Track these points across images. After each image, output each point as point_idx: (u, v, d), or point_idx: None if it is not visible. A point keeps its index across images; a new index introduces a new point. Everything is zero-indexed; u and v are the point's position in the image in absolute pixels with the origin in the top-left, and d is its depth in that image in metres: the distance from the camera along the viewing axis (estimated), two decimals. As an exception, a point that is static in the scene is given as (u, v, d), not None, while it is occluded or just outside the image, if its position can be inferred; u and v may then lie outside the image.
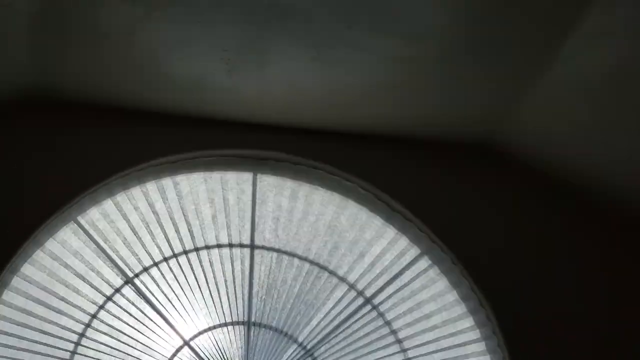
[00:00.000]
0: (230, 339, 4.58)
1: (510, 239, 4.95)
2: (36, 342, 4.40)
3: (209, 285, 4.67)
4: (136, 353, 4.48)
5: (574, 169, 4.87)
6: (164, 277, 4.64)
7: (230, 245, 4.76)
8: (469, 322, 4.81)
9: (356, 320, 4.74)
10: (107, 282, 4.57)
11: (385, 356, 4.69)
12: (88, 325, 4.48)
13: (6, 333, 4.37)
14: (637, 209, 4.88)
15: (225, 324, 4.62)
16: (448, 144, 5.08)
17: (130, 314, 4.54)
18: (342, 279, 4.80)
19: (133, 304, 4.57)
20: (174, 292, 4.62)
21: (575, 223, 5.06)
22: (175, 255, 4.69)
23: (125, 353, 4.47)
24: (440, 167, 5.06)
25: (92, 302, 4.52)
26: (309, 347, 4.65)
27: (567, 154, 4.82)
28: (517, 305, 4.79)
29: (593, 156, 4.71)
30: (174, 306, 4.60)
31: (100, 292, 4.55)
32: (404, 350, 4.71)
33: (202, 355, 4.53)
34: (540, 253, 4.95)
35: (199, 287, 4.66)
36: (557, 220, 5.04)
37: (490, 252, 4.88)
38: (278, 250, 4.80)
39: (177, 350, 4.53)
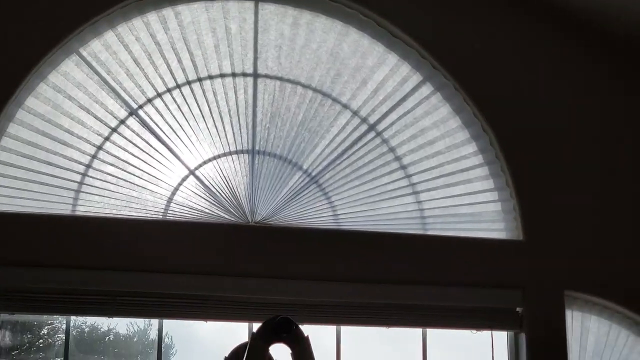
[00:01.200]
0: (235, 168, 4.62)
1: (511, 65, 4.94)
2: (43, 173, 4.45)
3: (213, 115, 4.68)
4: (142, 183, 4.53)
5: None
6: (168, 108, 4.64)
7: (233, 75, 4.74)
8: (472, 147, 4.85)
9: (360, 147, 4.77)
10: (112, 114, 4.58)
11: (389, 182, 4.74)
12: (94, 157, 4.52)
13: (13, 165, 4.42)
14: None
15: (230, 153, 4.65)
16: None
17: (136, 145, 4.57)
18: (346, 106, 4.81)
19: (138, 134, 4.59)
20: (178, 122, 4.63)
21: (575, 48, 5.08)
22: (178, 86, 4.68)
23: (131, 183, 4.52)
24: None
25: (97, 134, 4.55)
26: (313, 174, 4.69)
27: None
28: (520, 129, 4.82)
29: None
30: (178, 136, 4.62)
31: (105, 123, 4.57)
32: (408, 176, 4.77)
33: (207, 183, 4.57)
34: (541, 77, 4.97)
35: (203, 117, 4.67)
36: (561, 48, 5.05)
37: (493, 77, 4.88)
38: (281, 79, 4.79)
39: (183, 180, 4.58)
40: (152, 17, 4.72)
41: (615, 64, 5.08)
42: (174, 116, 4.64)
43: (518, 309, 4.61)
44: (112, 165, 4.53)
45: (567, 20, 5.02)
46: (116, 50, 4.65)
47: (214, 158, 4.64)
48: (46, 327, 4.52)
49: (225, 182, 4.59)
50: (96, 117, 4.56)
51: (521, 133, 4.82)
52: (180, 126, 4.63)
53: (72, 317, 4.43)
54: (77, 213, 4.42)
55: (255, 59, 4.79)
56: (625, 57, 5.07)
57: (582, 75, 5.02)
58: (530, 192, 4.74)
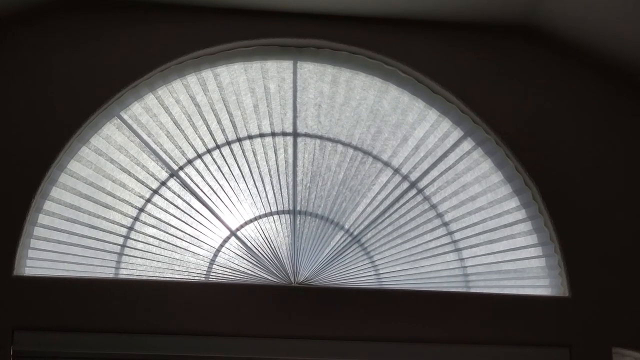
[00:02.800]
0: (277, 228, 4.62)
1: (552, 118, 4.91)
2: (86, 236, 4.47)
3: (253, 175, 4.68)
4: (184, 244, 4.54)
5: (615, 46, 4.77)
6: (208, 169, 4.66)
7: (273, 134, 4.75)
8: (514, 202, 4.80)
9: (402, 205, 4.74)
10: (153, 176, 4.61)
11: (432, 239, 4.70)
12: (136, 219, 4.54)
13: (56, 229, 4.45)
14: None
15: (271, 213, 4.64)
16: (487, 25, 5.01)
17: (177, 206, 4.59)
18: (387, 164, 4.79)
19: (179, 196, 4.60)
20: (218, 183, 4.64)
21: (617, 99, 5.00)
22: (218, 147, 4.70)
23: (173, 245, 4.53)
24: (480, 49, 5.01)
25: (139, 196, 4.57)
26: (355, 233, 4.67)
27: (608, 30, 4.71)
28: (562, 184, 4.77)
29: (637, 32, 4.60)
30: (219, 197, 4.63)
31: (147, 185, 4.59)
32: (450, 233, 4.72)
33: (249, 244, 4.57)
34: (584, 131, 4.91)
35: (243, 177, 4.67)
36: (600, 98, 4.99)
37: (534, 131, 4.86)
38: (321, 137, 4.79)
39: (225, 241, 4.57)
40: (192, 79, 4.77)
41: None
42: (214, 177, 4.65)
43: (565, 367, 4.55)
44: (154, 227, 4.54)
45: (612, 71, 4.98)
46: (156, 112, 4.69)
47: (255, 219, 4.63)
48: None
49: (267, 243, 4.58)
50: (137, 179, 4.59)
51: (564, 186, 4.76)
52: (221, 187, 4.64)
53: (117, 382, 4.43)
54: (120, 276, 4.43)
55: (295, 117, 4.80)
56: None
57: (628, 126, 4.96)
58: (575, 247, 4.67)
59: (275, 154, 4.72)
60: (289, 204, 4.66)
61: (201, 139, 4.69)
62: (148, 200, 4.58)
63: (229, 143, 4.71)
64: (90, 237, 4.47)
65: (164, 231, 4.55)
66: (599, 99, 4.99)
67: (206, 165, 4.66)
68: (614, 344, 4.54)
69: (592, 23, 4.72)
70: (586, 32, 4.80)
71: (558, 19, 4.81)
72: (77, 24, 4.76)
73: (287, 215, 4.64)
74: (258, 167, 4.69)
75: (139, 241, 4.51)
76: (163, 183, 4.61)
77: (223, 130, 4.72)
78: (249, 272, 4.52)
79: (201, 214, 4.59)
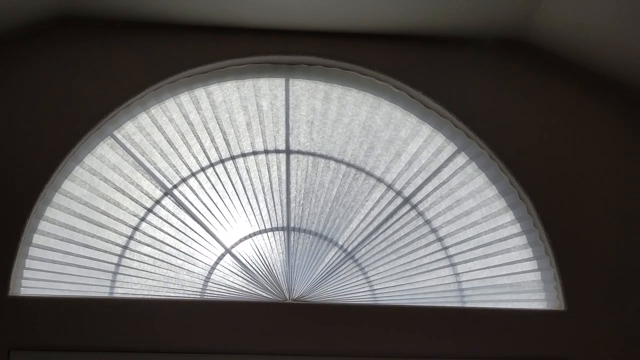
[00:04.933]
0: (271, 245, 4.62)
1: (546, 132, 4.91)
2: (81, 256, 4.48)
3: (247, 193, 4.69)
4: (179, 262, 4.54)
5: (607, 59, 4.77)
6: (202, 187, 4.67)
7: (266, 152, 4.76)
8: (509, 216, 4.79)
9: (396, 221, 4.73)
10: (147, 194, 4.62)
11: (426, 254, 4.69)
12: (131, 238, 4.55)
13: (51, 249, 4.47)
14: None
15: (265, 230, 4.64)
16: (479, 40, 5.01)
17: (171, 225, 4.60)
18: (380, 180, 4.79)
19: (173, 214, 4.61)
20: (212, 201, 4.66)
21: (610, 112, 5.00)
22: (212, 165, 4.71)
23: (168, 263, 4.53)
24: (473, 63, 5.02)
25: (133, 215, 4.59)
26: (349, 249, 4.66)
27: (599, 44, 4.72)
28: (557, 197, 4.76)
29: (628, 46, 4.60)
30: (213, 215, 4.64)
31: (141, 204, 4.61)
32: (445, 248, 4.71)
33: (244, 262, 4.57)
34: (577, 145, 4.90)
35: (237, 195, 4.69)
36: (592, 111, 4.99)
37: (527, 145, 4.85)
38: (313, 154, 4.79)
39: (219, 258, 4.58)
40: (185, 97, 4.79)
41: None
42: (208, 195, 4.66)
43: (562, 381, 4.53)
44: (148, 245, 4.55)
45: (604, 84, 4.98)
46: (150, 131, 4.71)
47: (250, 236, 4.63)
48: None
49: (262, 260, 4.58)
50: (132, 198, 4.60)
51: (559, 200, 4.75)
52: (215, 205, 4.65)
53: (112, 401, 4.43)
54: (115, 295, 4.44)
55: (287, 135, 4.81)
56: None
57: (621, 138, 4.95)
58: (570, 260, 4.65)
59: (269, 171, 4.73)
60: (282, 221, 4.66)
61: (195, 158, 4.71)
62: (142, 219, 4.59)
63: (222, 161, 4.73)
64: (85, 257, 4.48)
65: (159, 249, 4.55)
66: (591, 112, 4.98)
67: (200, 184, 4.67)
68: (610, 357, 4.52)
69: (582, 37, 4.72)
70: (576, 46, 4.81)
71: (548, 33, 4.82)
72: (69, 44, 4.80)
73: (281, 232, 4.65)
74: (252, 185, 4.70)
75: (134, 260, 4.52)
76: (157, 202, 4.63)
77: (216, 149, 4.74)
78: (244, 289, 4.52)
79: (196, 232, 4.60)
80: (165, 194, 4.64)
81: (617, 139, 4.95)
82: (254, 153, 4.76)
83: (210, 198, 4.66)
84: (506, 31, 4.93)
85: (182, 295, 4.49)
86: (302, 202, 4.70)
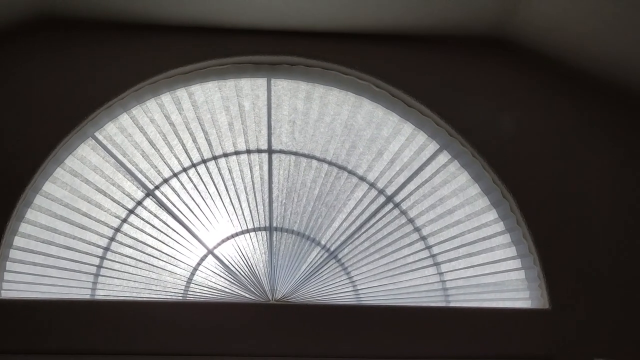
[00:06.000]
0: (254, 245, 4.60)
1: (528, 129, 4.90)
2: (62, 258, 4.46)
3: (229, 193, 4.67)
4: (161, 264, 4.52)
5: (587, 56, 4.78)
6: (184, 188, 4.65)
7: (248, 152, 4.75)
8: (492, 214, 4.78)
9: (379, 220, 4.72)
10: (129, 196, 4.60)
11: (410, 254, 4.67)
12: (112, 239, 4.53)
13: (32, 251, 4.44)
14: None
15: (248, 231, 4.63)
16: (459, 39, 5.02)
17: (153, 226, 4.58)
18: (362, 178, 4.78)
19: (155, 215, 4.59)
20: (194, 201, 4.64)
21: (591, 110, 5.01)
22: (194, 165, 4.70)
23: (150, 264, 4.51)
24: (454, 62, 5.03)
25: (115, 216, 4.56)
26: (332, 249, 4.64)
27: (579, 42, 4.73)
28: (540, 195, 4.75)
29: (606, 43, 4.60)
30: (195, 216, 4.62)
31: (122, 205, 4.59)
32: (428, 247, 4.69)
33: (226, 262, 4.55)
34: (559, 142, 4.90)
35: (219, 195, 4.67)
36: (574, 109, 4.99)
37: (509, 143, 4.84)
38: (296, 153, 4.78)
39: (202, 259, 4.56)
40: (166, 98, 4.78)
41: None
42: (190, 195, 4.65)
43: (547, 380, 4.51)
44: (130, 247, 4.53)
45: (585, 82, 4.98)
46: (131, 132, 4.70)
47: (232, 236, 4.61)
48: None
49: (244, 261, 4.56)
50: (113, 200, 4.58)
51: (542, 197, 4.74)
52: (197, 205, 4.63)
53: (94, 403, 4.40)
54: (97, 297, 4.41)
55: (270, 134, 4.79)
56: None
57: (603, 136, 4.94)
58: (554, 259, 4.64)
59: (251, 171, 4.71)
60: (265, 221, 4.65)
61: (177, 158, 4.69)
62: (124, 220, 4.57)
63: (204, 161, 4.71)
64: (66, 259, 4.46)
65: (141, 251, 4.53)
66: (573, 110, 4.98)
67: (182, 184, 4.66)
68: (595, 355, 4.50)
69: (563, 35, 4.73)
70: (558, 44, 4.81)
71: (530, 31, 4.82)
72: (50, 44, 4.79)
73: (264, 232, 4.63)
74: (234, 185, 4.69)
75: (115, 262, 4.50)
76: (139, 203, 4.61)
77: (198, 149, 4.72)
78: (227, 290, 4.50)
79: (178, 233, 4.58)
80: (147, 195, 4.62)
81: (598, 136, 4.94)
82: (236, 153, 4.75)
83: (192, 199, 4.64)
84: (487, 30, 4.93)
85: (164, 296, 4.46)
86: (284, 201, 4.68)
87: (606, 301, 4.60)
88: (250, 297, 4.49)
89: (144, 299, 4.44)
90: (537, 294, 4.63)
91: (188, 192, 4.65)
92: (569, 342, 4.50)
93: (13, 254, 4.43)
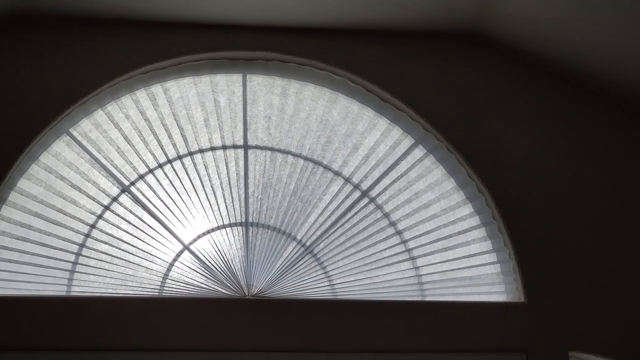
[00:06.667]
0: (230, 241, 4.60)
1: (503, 123, 4.91)
2: (37, 255, 4.44)
3: (205, 189, 4.67)
4: (137, 260, 4.51)
5: (561, 50, 4.81)
6: (160, 184, 4.64)
7: (224, 147, 4.75)
8: (468, 208, 4.79)
9: (354, 214, 4.72)
10: (104, 192, 4.59)
11: (385, 248, 4.68)
12: (88, 236, 4.51)
13: (7, 248, 4.42)
14: (627, 86, 4.82)
15: (224, 226, 4.62)
16: (435, 33, 5.04)
17: (129, 222, 4.57)
18: (338, 173, 4.78)
19: (131, 211, 4.58)
20: (170, 197, 4.63)
21: (567, 103, 5.04)
22: (169, 161, 4.69)
23: (126, 260, 4.50)
24: (429, 57, 5.05)
25: (90, 213, 4.55)
26: (308, 244, 4.65)
27: (552, 35, 4.75)
28: (515, 189, 4.77)
29: (580, 36, 4.63)
30: (171, 211, 4.61)
31: (98, 202, 4.57)
32: (404, 242, 4.70)
33: (202, 258, 4.54)
34: (534, 136, 4.92)
35: (195, 191, 4.66)
36: (550, 102, 5.02)
37: (485, 137, 4.86)
38: (271, 149, 4.78)
39: (178, 255, 4.55)
40: (141, 94, 4.77)
41: (615, 123, 5.04)
42: (166, 191, 4.64)
43: (522, 373, 4.52)
44: (105, 243, 4.51)
45: (560, 75, 5.00)
46: (106, 128, 4.68)
47: (208, 232, 4.61)
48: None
49: (221, 256, 4.56)
50: (88, 196, 4.56)
51: (517, 192, 4.76)
52: (173, 201, 4.62)
53: (70, 400, 4.38)
54: (73, 294, 4.40)
55: (245, 130, 4.79)
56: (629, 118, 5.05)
57: (578, 129, 4.97)
58: (529, 252, 4.65)
59: (227, 166, 4.71)
60: (241, 216, 4.65)
61: (152, 154, 4.69)
62: (100, 217, 4.55)
63: (180, 157, 4.71)
64: (42, 255, 4.44)
65: (116, 247, 4.52)
66: (548, 103, 5.00)
67: (158, 180, 4.65)
68: (570, 348, 4.52)
69: (536, 29, 4.75)
70: (531, 38, 4.84)
71: (503, 25, 4.84)
72: (24, 41, 4.77)
73: (240, 228, 4.63)
74: (210, 181, 4.68)
75: (91, 258, 4.48)
76: (114, 199, 4.59)
77: (174, 145, 4.71)
78: (203, 285, 4.49)
79: (154, 229, 4.57)
80: (123, 191, 4.61)
81: (574, 128, 4.97)
82: (212, 149, 4.74)
83: (168, 194, 4.63)
84: (462, 23, 4.95)
85: (141, 292, 4.45)
86: (260, 197, 4.68)
87: (581, 294, 4.62)
88: (227, 292, 4.49)
89: (120, 295, 4.42)
90: (513, 288, 4.65)
91: (164, 188, 4.64)
92: (544, 336, 4.51)
93: (-13, 250, 4.42)
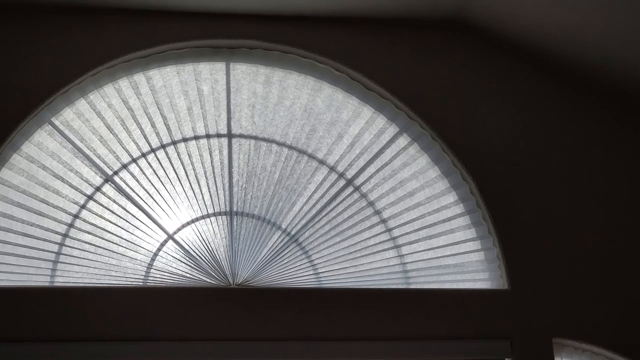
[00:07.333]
0: (214, 230, 4.58)
1: (488, 111, 4.93)
2: (20, 245, 4.40)
3: (189, 178, 4.65)
4: (121, 250, 4.48)
5: (545, 37, 4.81)
6: (144, 173, 4.62)
7: (208, 136, 4.73)
8: (452, 197, 4.81)
9: (339, 203, 4.72)
10: (87, 182, 4.55)
11: (370, 237, 4.69)
12: (71, 226, 4.48)
13: (-11, 239, 4.40)
14: (611, 72, 4.84)
15: (208, 215, 4.61)
16: (419, 21, 5.03)
17: (113, 212, 4.54)
18: (322, 162, 4.78)
19: (114, 201, 4.55)
20: (154, 186, 4.60)
21: (552, 91, 5.06)
22: (153, 150, 4.66)
23: (110, 250, 4.47)
24: (413, 44, 5.05)
25: (73, 202, 4.51)
26: (293, 232, 4.64)
27: (536, 22, 4.76)
28: (499, 177, 4.79)
29: (564, 23, 4.64)
30: (155, 201, 4.58)
31: (81, 191, 4.54)
32: (389, 230, 4.71)
33: (186, 247, 4.53)
34: (518, 123, 4.94)
35: (179, 180, 4.64)
36: (535, 90, 5.04)
37: (469, 125, 4.87)
38: (255, 138, 4.77)
39: (162, 244, 4.53)
40: (124, 83, 4.73)
41: (598, 111, 5.06)
42: (149, 180, 4.61)
43: (507, 359, 4.53)
44: (89, 233, 4.48)
45: (545, 62, 5.01)
46: (89, 117, 4.64)
47: (192, 221, 4.59)
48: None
49: (205, 245, 4.54)
50: (71, 186, 4.53)
51: (501, 179, 4.78)
52: (157, 190, 4.60)
53: (55, 391, 4.36)
54: (56, 284, 4.37)
55: (229, 119, 4.77)
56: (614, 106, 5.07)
57: (564, 117, 4.99)
58: (513, 240, 4.68)
59: (211, 155, 4.69)
60: (225, 206, 4.63)
61: (135, 143, 4.65)
62: (83, 207, 4.52)
63: (163, 146, 4.68)
64: (25, 246, 4.41)
65: (100, 237, 4.49)
66: (533, 91, 5.02)
67: (141, 169, 4.62)
68: (554, 334, 4.55)
69: (521, 15, 4.76)
70: (516, 25, 4.84)
71: (489, 12, 4.84)
72: (4, 29, 4.71)
73: (224, 217, 4.61)
74: (194, 170, 4.66)
75: (74, 248, 4.45)
76: (98, 188, 4.56)
77: (157, 134, 4.68)
78: (188, 275, 4.48)
79: (137, 219, 4.55)
80: (106, 181, 4.58)
81: (559, 116, 4.99)
82: (196, 138, 4.72)
83: (152, 184, 4.61)
84: (448, 11, 4.94)
85: (125, 282, 4.43)
86: (244, 186, 4.67)
87: (565, 281, 4.66)
88: (212, 281, 4.48)
89: (104, 285, 4.39)
90: (497, 275, 4.67)
91: (147, 178, 4.62)
92: (528, 322, 4.55)
93: (-31, 241, 4.38)
